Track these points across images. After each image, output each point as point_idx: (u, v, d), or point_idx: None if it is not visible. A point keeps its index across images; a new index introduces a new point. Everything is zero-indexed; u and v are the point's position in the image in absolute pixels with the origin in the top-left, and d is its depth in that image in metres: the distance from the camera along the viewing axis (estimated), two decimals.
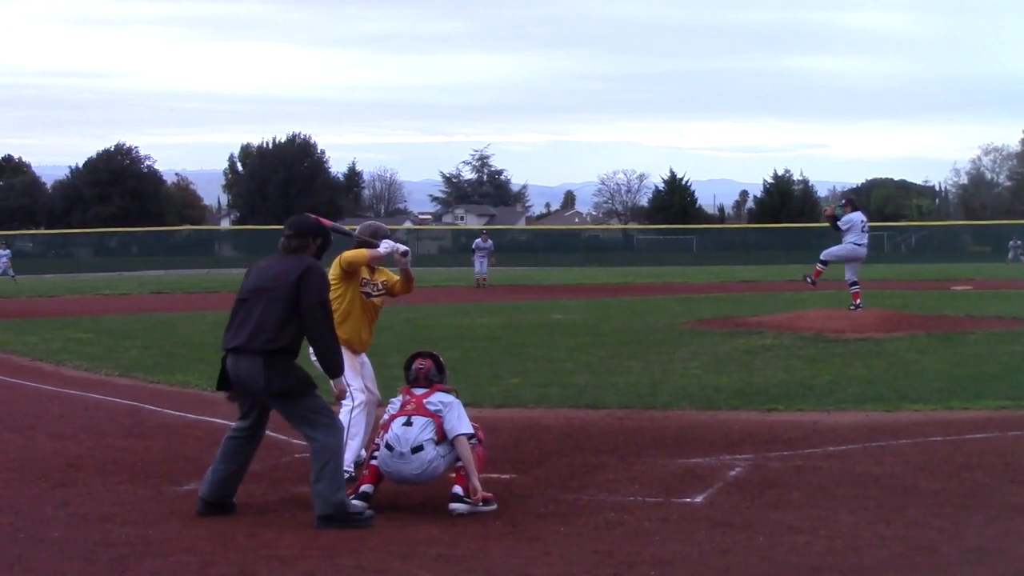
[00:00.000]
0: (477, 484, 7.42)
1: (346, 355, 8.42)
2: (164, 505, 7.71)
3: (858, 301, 21.00)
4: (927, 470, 8.41)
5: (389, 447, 7.53)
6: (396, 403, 7.79)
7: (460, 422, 7.59)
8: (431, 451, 7.49)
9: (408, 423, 7.55)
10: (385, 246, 8.69)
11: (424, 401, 7.65)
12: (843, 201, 23.17)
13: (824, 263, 21.61)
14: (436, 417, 7.57)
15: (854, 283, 21.24)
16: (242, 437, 7.48)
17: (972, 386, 12.45)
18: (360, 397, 8.44)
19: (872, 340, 17.27)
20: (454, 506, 7.39)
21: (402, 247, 8.73)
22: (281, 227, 7.76)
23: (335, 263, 8.67)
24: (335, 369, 7.39)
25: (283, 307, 7.21)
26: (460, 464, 7.53)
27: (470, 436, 7.61)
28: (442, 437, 7.54)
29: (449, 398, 7.72)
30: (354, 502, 7.29)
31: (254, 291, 7.38)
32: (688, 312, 24.53)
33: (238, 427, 7.53)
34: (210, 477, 7.42)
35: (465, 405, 7.91)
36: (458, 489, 7.46)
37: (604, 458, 9.09)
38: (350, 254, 8.62)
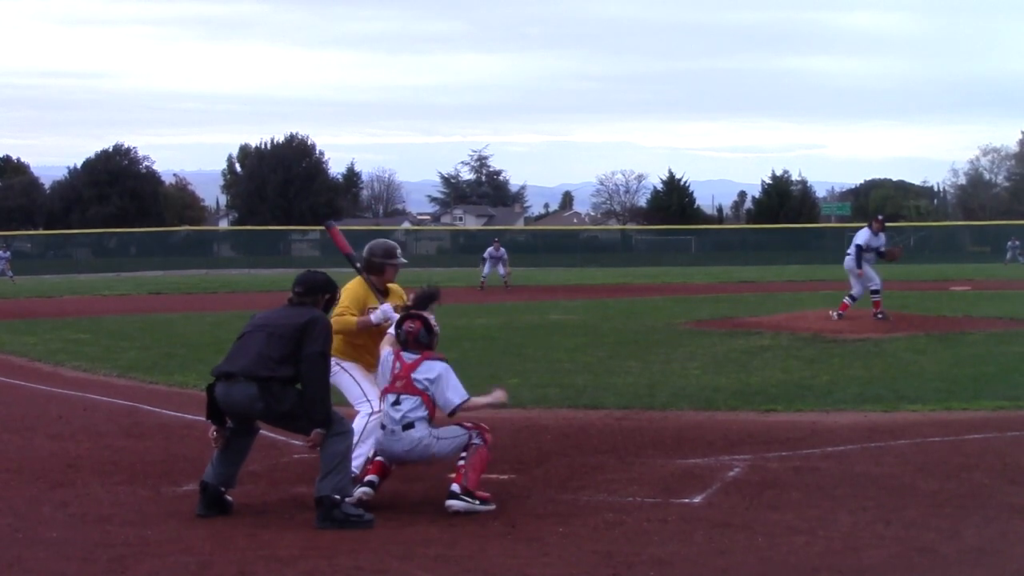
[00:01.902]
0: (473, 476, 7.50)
1: (358, 368, 8.42)
2: (163, 506, 7.71)
3: (844, 312, 20.16)
4: (926, 470, 8.41)
5: (382, 426, 7.63)
6: (387, 363, 7.75)
7: (454, 393, 7.60)
8: (422, 429, 7.53)
9: (397, 403, 7.58)
10: (379, 315, 8.39)
11: (412, 377, 7.62)
12: (879, 217, 22.10)
13: (876, 292, 20.22)
14: (424, 395, 7.58)
15: (854, 298, 20.37)
16: (237, 429, 7.49)
17: (971, 386, 12.45)
18: (380, 406, 8.39)
19: (870, 340, 17.28)
20: (451, 503, 7.40)
21: (391, 316, 8.30)
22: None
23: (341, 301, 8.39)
24: (322, 419, 7.28)
25: (284, 345, 7.26)
26: (460, 463, 7.55)
27: (474, 434, 7.61)
28: (434, 414, 7.57)
29: (437, 370, 7.66)
30: (358, 490, 7.37)
31: (256, 327, 7.46)
32: (686, 313, 24.54)
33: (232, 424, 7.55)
34: (211, 463, 7.48)
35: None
36: (456, 487, 7.48)
37: (603, 459, 9.09)
38: (337, 322, 8.20)
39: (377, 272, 8.62)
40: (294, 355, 7.25)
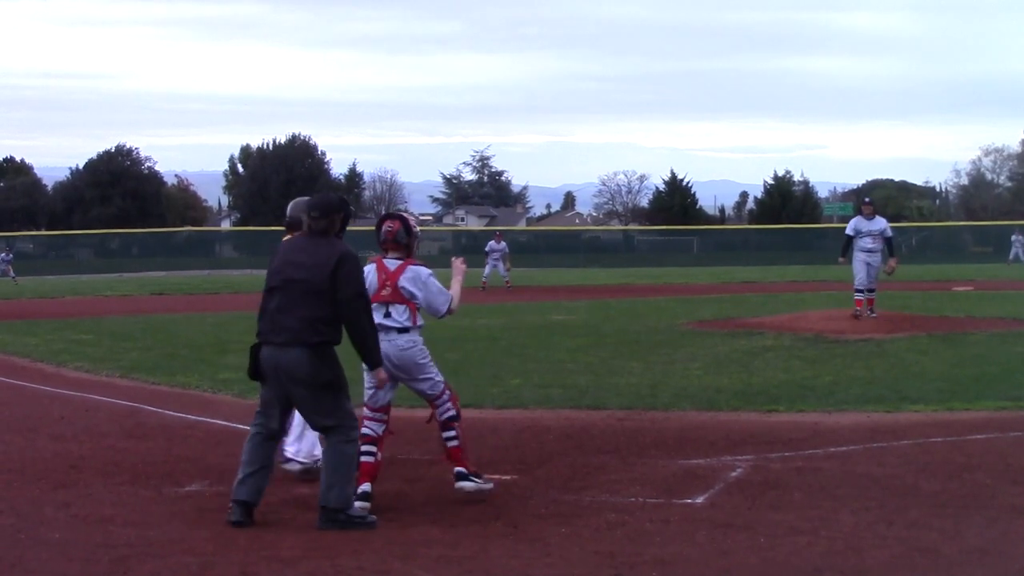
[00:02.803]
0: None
1: None
2: (165, 506, 7.71)
3: (861, 308, 19.52)
4: (928, 471, 8.41)
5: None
6: (371, 275, 7.72)
7: (442, 297, 7.79)
8: (415, 335, 7.75)
9: (388, 314, 7.68)
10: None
11: (399, 286, 7.70)
12: (867, 200, 21.78)
13: (871, 290, 19.57)
14: (411, 304, 7.71)
15: (871, 289, 19.61)
16: (260, 436, 7.31)
17: (973, 387, 12.45)
18: None
19: (873, 341, 17.27)
20: (461, 484, 7.61)
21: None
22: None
23: None
24: (375, 359, 7.26)
25: (324, 301, 7.07)
26: (453, 444, 7.71)
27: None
28: (415, 320, 7.74)
29: (422, 276, 7.77)
30: (356, 504, 7.29)
31: (288, 282, 7.17)
32: (689, 313, 24.53)
33: (257, 424, 7.36)
34: (240, 479, 7.25)
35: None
36: (462, 470, 7.65)
37: (605, 459, 9.09)
38: None
39: (298, 229, 8.75)
40: (334, 306, 7.09)
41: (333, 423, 7.17)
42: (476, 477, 7.74)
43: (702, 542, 6.65)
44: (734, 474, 8.44)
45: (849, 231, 19.93)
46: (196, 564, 6.27)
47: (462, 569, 6.18)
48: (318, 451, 8.40)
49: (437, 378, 7.83)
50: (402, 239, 7.87)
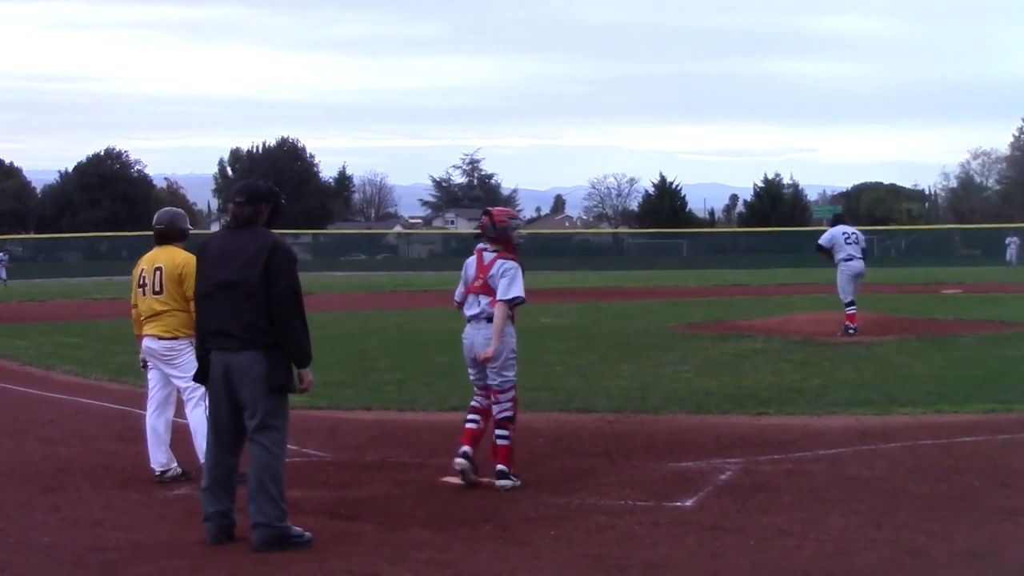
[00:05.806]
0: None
1: None
2: (155, 510, 7.70)
3: (854, 324, 18.55)
4: (917, 473, 8.43)
5: (469, 320, 8.26)
6: (471, 267, 8.33)
7: (510, 287, 8.16)
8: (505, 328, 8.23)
9: (477, 302, 8.20)
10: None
11: (488, 277, 8.21)
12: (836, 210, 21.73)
13: (852, 303, 18.60)
14: (492, 292, 8.17)
15: (850, 303, 18.68)
16: (223, 444, 6.88)
17: (961, 389, 12.48)
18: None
19: (862, 344, 17.31)
20: (501, 483, 8.01)
21: None
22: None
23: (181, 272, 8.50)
24: (306, 358, 6.83)
25: (263, 301, 6.67)
26: (503, 443, 8.10)
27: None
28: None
29: (507, 266, 8.22)
30: (456, 461, 7.96)
31: (223, 286, 6.73)
32: (678, 316, 24.57)
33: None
34: (209, 495, 6.85)
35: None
36: (502, 467, 8.03)
37: (594, 462, 9.10)
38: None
39: (165, 239, 8.84)
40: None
41: (269, 430, 6.69)
42: (515, 477, 8.14)
43: (692, 545, 6.66)
44: (723, 477, 8.45)
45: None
46: (186, 567, 6.26)
47: (451, 572, 6.18)
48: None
49: (512, 379, 8.23)
50: (490, 232, 8.35)
